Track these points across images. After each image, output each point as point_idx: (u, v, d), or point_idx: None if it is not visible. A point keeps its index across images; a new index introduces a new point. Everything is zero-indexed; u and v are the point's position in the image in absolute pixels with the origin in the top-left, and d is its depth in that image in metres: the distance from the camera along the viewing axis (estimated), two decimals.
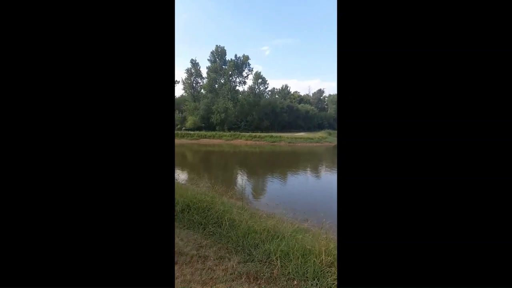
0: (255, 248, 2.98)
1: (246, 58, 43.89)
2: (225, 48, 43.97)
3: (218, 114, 38.91)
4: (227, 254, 2.90)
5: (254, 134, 33.67)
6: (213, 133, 35.04)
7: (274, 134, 33.11)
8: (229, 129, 38.30)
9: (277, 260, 2.69)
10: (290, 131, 39.58)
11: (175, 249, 2.92)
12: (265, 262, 2.73)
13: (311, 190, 10.44)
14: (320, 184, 11.88)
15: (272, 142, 30.41)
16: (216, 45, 44.33)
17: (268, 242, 3.04)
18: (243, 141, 31.89)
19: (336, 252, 2.56)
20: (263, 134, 33.22)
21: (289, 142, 30.09)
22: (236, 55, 44.13)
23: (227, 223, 3.49)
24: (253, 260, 2.78)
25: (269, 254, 2.82)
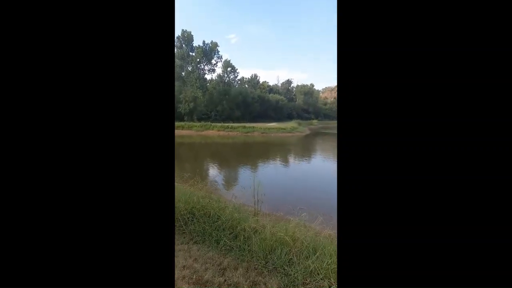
0: (290, 266, 2.49)
1: (215, 45, 42.10)
2: (192, 33, 41.44)
3: (187, 104, 36.81)
4: (260, 277, 2.36)
5: (226, 124, 32.82)
6: (182, 123, 33.07)
7: (247, 125, 32.50)
8: (199, 119, 36.55)
9: (324, 280, 2.25)
10: (261, 121, 39.25)
11: (194, 276, 2.31)
12: (311, 284, 2.26)
13: (313, 181, 10.43)
14: (317, 173, 12.08)
15: (246, 132, 29.94)
16: (182, 30, 41.48)
17: (304, 256, 2.58)
18: (215, 131, 30.91)
19: None
20: (235, 125, 32.49)
21: (262, 133, 29.92)
22: (204, 41, 42.15)
23: (248, 234, 2.93)
24: (294, 283, 2.29)
25: (312, 273, 2.36)
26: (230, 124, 32.69)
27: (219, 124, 32.73)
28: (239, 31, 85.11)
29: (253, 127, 31.31)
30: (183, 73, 41.07)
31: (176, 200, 3.53)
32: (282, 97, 52.81)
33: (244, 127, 31.28)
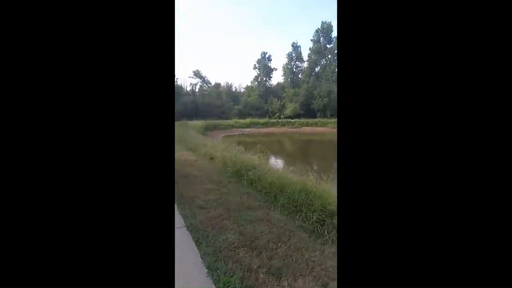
0: None
1: None
2: (331, 23, 38.95)
3: (321, 99, 35.03)
4: None
5: None
6: (316, 120, 31.54)
7: None
8: (331, 116, 34.06)
9: None
10: None
11: None
12: None
13: None
14: None
15: None
16: (322, 21, 39.74)
17: None
18: None
19: None
20: None
21: None
22: None
23: None
24: None
25: None
26: None
27: None
28: None
29: None
30: (317, 68, 39.67)
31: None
32: None
33: None
